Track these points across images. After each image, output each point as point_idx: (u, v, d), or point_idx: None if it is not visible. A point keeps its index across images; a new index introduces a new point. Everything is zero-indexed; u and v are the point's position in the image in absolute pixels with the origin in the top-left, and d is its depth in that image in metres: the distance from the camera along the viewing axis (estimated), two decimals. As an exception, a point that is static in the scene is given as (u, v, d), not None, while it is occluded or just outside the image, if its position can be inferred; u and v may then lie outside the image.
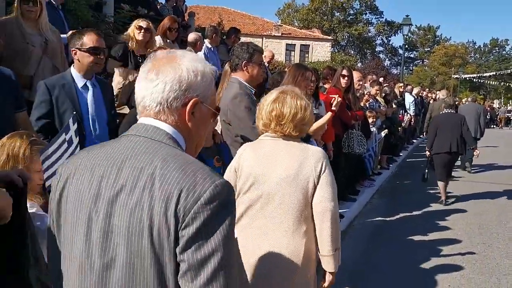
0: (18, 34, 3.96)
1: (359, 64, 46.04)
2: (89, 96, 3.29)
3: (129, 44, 4.82)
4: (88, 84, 3.29)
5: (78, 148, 2.46)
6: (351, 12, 59.55)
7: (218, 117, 3.40)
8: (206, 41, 7.36)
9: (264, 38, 40.79)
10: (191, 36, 6.90)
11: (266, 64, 9.42)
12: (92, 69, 3.27)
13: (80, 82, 3.28)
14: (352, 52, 58.38)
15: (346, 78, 6.09)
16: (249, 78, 3.61)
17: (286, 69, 6.15)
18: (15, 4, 4.08)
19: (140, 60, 4.92)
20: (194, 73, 1.31)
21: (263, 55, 9.54)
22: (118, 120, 4.19)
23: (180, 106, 1.30)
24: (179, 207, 1.15)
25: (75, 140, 2.49)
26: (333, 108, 4.67)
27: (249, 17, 43.48)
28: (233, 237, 1.22)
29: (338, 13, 58.10)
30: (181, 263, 1.16)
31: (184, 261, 1.15)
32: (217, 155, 3.21)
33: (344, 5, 57.67)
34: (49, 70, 4.05)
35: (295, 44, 41.62)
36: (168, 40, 5.97)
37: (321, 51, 41.48)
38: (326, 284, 2.50)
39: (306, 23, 54.34)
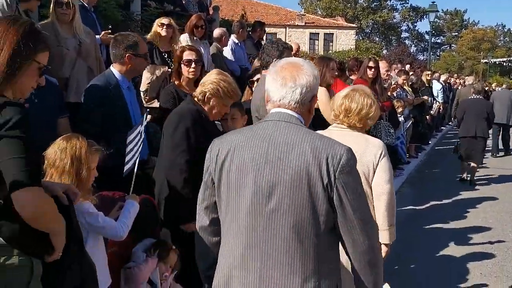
0: (53, 38, 4.08)
1: (384, 51, 45.42)
2: (132, 97, 3.46)
3: (154, 42, 5.01)
4: (130, 85, 3.47)
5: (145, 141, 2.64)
6: (375, -2, 58.67)
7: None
8: (233, 36, 7.46)
9: (287, 28, 40.69)
10: (216, 32, 7.01)
11: (292, 55, 9.51)
12: (140, 72, 3.46)
13: (124, 83, 3.46)
14: (377, 39, 57.60)
15: (372, 69, 6.12)
16: None
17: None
18: (51, 8, 4.24)
19: (166, 56, 5.11)
20: (315, 77, 1.83)
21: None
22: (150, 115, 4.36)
23: (307, 102, 1.82)
24: (329, 167, 1.67)
25: (143, 134, 2.76)
26: None
27: (272, 8, 43.37)
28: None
29: (362, 0, 57.31)
30: (335, 201, 1.68)
31: (338, 199, 1.68)
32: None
33: (368, -9, 56.89)
34: (84, 71, 4.19)
35: (318, 33, 41.36)
36: (195, 38, 6.10)
37: (345, 39, 41.12)
38: (383, 255, 2.76)
39: (330, 12, 53.80)
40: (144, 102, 4.55)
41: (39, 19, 7.79)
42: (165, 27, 5.11)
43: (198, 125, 3.00)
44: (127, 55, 3.40)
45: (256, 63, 4.25)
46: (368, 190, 2.76)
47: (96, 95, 3.30)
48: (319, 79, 1.92)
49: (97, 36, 4.75)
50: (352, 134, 2.85)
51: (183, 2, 12.17)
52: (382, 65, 6.93)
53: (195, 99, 3.12)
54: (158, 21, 5.25)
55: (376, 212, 2.81)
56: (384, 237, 2.80)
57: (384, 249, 2.80)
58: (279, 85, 1.80)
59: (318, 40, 41.33)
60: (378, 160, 2.79)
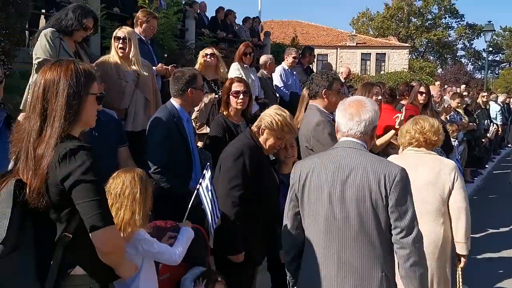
0: (114, 71, 4.34)
1: (439, 70, 44.28)
2: (191, 128, 3.70)
3: (201, 71, 5.27)
4: (188, 118, 3.74)
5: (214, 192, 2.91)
6: (429, 17, 57.52)
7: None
8: (283, 63, 7.62)
9: (338, 48, 40.63)
10: (262, 59, 7.17)
11: (343, 80, 9.54)
12: (198, 104, 3.69)
13: (184, 116, 3.72)
14: (432, 58, 56.30)
15: (423, 94, 6.06)
16: (328, 105, 3.81)
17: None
18: (112, 43, 4.51)
19: (212, 84, 5.34)
20: (375, 112, 2.37)
21: (340, 72, 9.69)
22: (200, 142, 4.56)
23: (369, 132, 2.36)
24: (386, 183, 2.18)
25: (210, 186, 2.91)
26: (396, 126, 4.63)
27: (323, 29, 43.51)
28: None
29: (415, 19, 56.37)
30: (391, 214, 2.19)
31: (394, 212, 2.18)
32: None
33: (421, 10, 55.89)
34: (141, 102, 4.44)
35: (370, 53, 40.99)
36: (245, 65, 6.30)
37: (398, 59, 40.49)
38: (462, 265, 3.35)
39: (382, 31, 53.26)
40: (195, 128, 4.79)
41: (101, 50, 8.34)
42: (209, 56, 5.39)
43: (254, 160, 3.13)
44: (189, 89, 3.68)
45: (305, 92, 4.36)
46: (442, 208, 3.27)
47: (163, 128, 3.54)
48: (379, 113, 2.45)
49: (153, 68, 5.03)
50: (427, 156, 3.38)
51: (236, 29, 12.59)
52: (434, 90, 6.84)
53: (253, 131, 3.26)
54: (202, 52, 5.55)
55: (454, 227, 3.28)
56: (462, 248, 3.29)
57: (463, 260, 3.34)
58: (347, 120, 2.35)
59: (369, 60, 40.95)
60: (454, 180, 3.24)
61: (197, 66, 5.51)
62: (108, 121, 3.37)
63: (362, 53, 40.99)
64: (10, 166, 2.23)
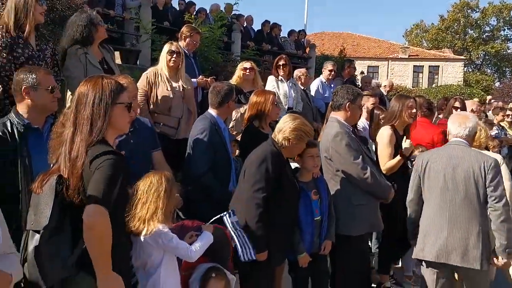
0: (164, 83, 4.67)
1: (496, 84, 42.68)
2: (227, 136, 4.07)
3: (239, 84, 5.61)
4: (225, 126, 4.10)
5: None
6: (487, 29, 55.62)
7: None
8: (321, 76, 7.82)
9: (390, 61, 40.09)
10: (295, 73, 7.34)
11: (385, 93, 9.58)
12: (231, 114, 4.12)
13: (221, 124, 4.07)
14: (489, 71, 54.32)
15: (458, 109, 6.08)
16: (349, 118, 3.98)
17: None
18: (164, 56, 4.79)
19: (248, 96, 5.62)
20: (476, 123, 3.65)
21: (383, 85, 9.71)
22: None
23: (472, 135, 3.62)
24: (485, 167, 3.36)
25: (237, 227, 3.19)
26: (403, 153, 4.41)
27: (374, 40, 43.08)
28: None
29: (472, 31, 54.68)
30: (488, 187, 3.35)
31: (489, 186, 3.35)
32: (315, 188, 3.63)
33: (478, 22, 54.17)
34: (186, 113, 4.78)
35: (423, 66, 40.14)
36: (280, 77, 6.52)
37: (452, 72, 39.43)
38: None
39: (436, 43, 52.01)
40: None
41: (151, 61, 8.85)
42: (248, 71, 5.69)
43: (276, 165, 3.36)
44: (229, 102, 4.05)
45: (330, 104, 4.55)
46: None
47: (207, 135, 3.88)
48: (476, 122, 3.67)
49: (193, 80, 5.38)
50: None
51: (281, 41, 12.88)
52: (473, 105, 6.82)
53: (276, 140, 3.49)
54: (241, 66, 5.85)
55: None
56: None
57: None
58: (457, 126, 3.58)
59: (422, 73, 40.09)
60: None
61: (234, 78, 5.83)
62: (142, 128, 3.69)
63: (414, 66, 40.21)
64: None
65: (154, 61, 8.94)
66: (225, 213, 3.20)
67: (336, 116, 3.98)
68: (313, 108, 7.20)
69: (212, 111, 4.11)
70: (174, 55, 4.72)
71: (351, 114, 3.96)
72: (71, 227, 2.16)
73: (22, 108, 2.94)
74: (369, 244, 5.09)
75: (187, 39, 5.73)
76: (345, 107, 3.95)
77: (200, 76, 5.72)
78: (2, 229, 1.83)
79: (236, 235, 3.19)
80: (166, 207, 2.77)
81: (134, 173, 2.70)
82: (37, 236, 2.10)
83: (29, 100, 2.92)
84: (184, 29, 5.84)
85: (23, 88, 2.92)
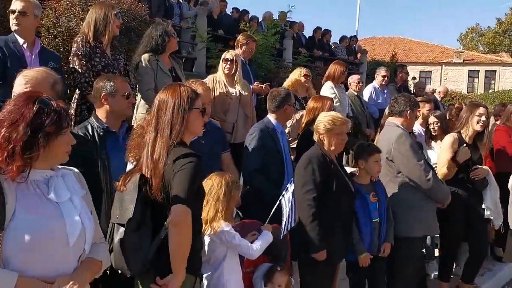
0: (222, 89, 4.89)
1: (559, 89, 40.59)
2: (285, 139, 4.22)
3: (293, 89, 5.72)
4: (283, 130, 4.25)
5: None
6: (549, 31, 53.07)
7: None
8: (374, 82, 7.84)
9: (443, 65, 39.03)
10: (349, 79, 7.35)
11: (440, 99, 9.45)
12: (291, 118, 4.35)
13: (279, 128, 4.21)
14: (550, 75, 51.71)
15: (517, 116, 5.97)
16: (408, 124, 4.11)
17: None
18: (221, 63, 5.05)
19: (303, 102, 5.75)
20: None
21: (438, 91, 9.60)
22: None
23: None
24: None
25: (291, 199, 3.30)
26: (457, 159, 4.40)
27: (427, 45, 42.06)
28: None
29: (532, 34, 52.31)
30: None
31: None
32: (373, 191, 3.72)
33: (539, 24, 51.79)
34: (242, 118, 4.96)
35: (478, 71, 38.79)
36: (336, 83, 6.61)
37: (510, 77, 37.88)
38: None
39: (493, 47, 50.14)
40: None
41: (206, 68, 9.17)
42: (307, 77, 5.83)
43: (321, 166, 3.48)
44: (285, 106, 4.19)
45: (386, 110, 4.62)
46: None
47: (259, 137, 4.05)
48: None
49: (251, 86, 5.58)
50: None
51: (332, 47, 12.95)
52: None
53: (317, 140, 3.62)
54: (301, 72, 5.97)
55: None
56: None
57: None
58: None
59: (477, 77, 38.75)
60: None
61: (286, 84, 5.95)
62: (214, 131, 3.89)
63: (469, 70, 38.92)
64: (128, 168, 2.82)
65: (210, 68, 9.28)
66: (283, 191, 3.31)
67: (395, 121, 4.09)
68: (366, 114, 7.24)
69: (269, 115, 4.28)
70: (228, 63, 4.95)
71: (409, 121, 4.10)
72: (152, 223, 2.37)
73: (101, 113, 3.20)
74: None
75: (243, 47, 5.90)
76: (405, 114, 4.07)
77: (256, 82, 5.91)
78: (95, 221, 2.04)
79: (287, 210, 3.27)
80: (226, 210, 2.94)
81: (204, 174, 2.89)
82: (122, 229, 2.31)
83: (107, 106, 3.18)
84: (240, 37, 6.03)
85: (102, 95, 3.18)
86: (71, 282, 1.80)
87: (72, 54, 3.93)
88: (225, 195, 2.95)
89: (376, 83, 7.79)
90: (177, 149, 2.34)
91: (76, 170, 2.08)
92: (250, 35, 6.53)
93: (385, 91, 7.83)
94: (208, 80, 5.03)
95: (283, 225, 3.30)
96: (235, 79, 5.02)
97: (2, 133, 1.75)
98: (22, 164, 1.76)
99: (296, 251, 3.61)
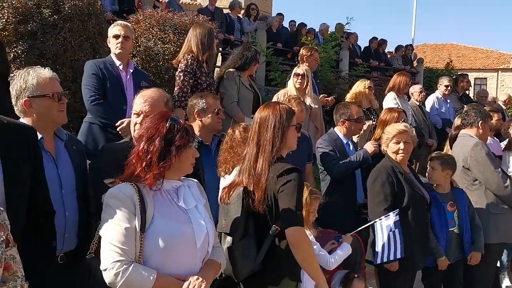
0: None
1: None
2: (351, 151, 4.35)
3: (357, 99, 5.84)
4: (349, 141, 4.41)
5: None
6: None
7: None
8: (437, 92, 7.83)
9: (499, 71, 37.71)
10: (411, 89, 7.34)
11: (504, 107, 9.27)
12: (356, 133, 4.48)
13: (344, 140, 4.37)
14: None
15: None
16: (481, 135, 4.19)
17: None
18: (291, 78, 5.28)
19: (368, 113, 5.84)
20: None
21: (502, 99, 9.45)
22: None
23: None
24: None
25: (393, 228, 3.41)
26: None
27: (481, 51, 40.74)
28: None
29: None
30: None
31: None
32: (452, 200, 3.79)
33: None
34: (312, 130, 5.15)
35: (539, 76, 37.20)
36: (399, 94, 6.66)
37: None
38: None
39: (553, 51, 47.95)
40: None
41: (265, 81, 9.43)
42: (371, 89, 5.94)
43: (390, 176, 3.58)
44: (341, 120, 4.35)
45: (457, 121, 4.68)
46: None
47: (326, 146, 4.25)
48: None
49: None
50: None
51: (388, 57, 12.94)
52: None
53: (384, 152, 3.75)
54: (365, 84, 6.02)
55: None
56: None
57: None
58: None
59: (538, 83, 37.16)
60: None
61: (350, 96, 6.04)
62: (301, 140, 4.11)
63: (528, 76, 37.41)
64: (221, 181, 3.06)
65: (270, 81, 9.55)
66: (383, 216, 3.41)
67: (468, 132, 4.17)
68: (429, 124, 7.25)
69: (336, 128, 4.43)
70: (300, 77, 5.16)
71: (483, 132, 4.17)
72: (255, 232, 2.56)
73: (194, 128, 3.45)
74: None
75: (308, 59, 6.09)
76: (477, 125, 4.16)
77: (321, 95, 6.08)
78: (212, 226, 2.28)
79: (381, 237, 3.38)
80: (307, 219, 3.11)
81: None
82: (229, 238, 2.55)
83: (200, 121, 3.47)
84: (302, 51, 6.15)
85: (195, 111, 3.47)
86: (200, 280, 2.04)
87: (179, 70, 4.26)
88: (306, 206, 3.11)
89: (438, 92, 7.77)
90: (278, 164, 2.53)
91: (196, 181, 2.34)
92: (311, 46, 6.73)
93: (448, 100, 7.80)
94: (280, 94, 5.26)
95: (379, 252, 3.41)
96: (306, 92, 5.22)
97: (141, 146, 2.05)
98: (158, 172, 2.04)
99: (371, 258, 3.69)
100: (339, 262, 3.24)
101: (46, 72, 2.52)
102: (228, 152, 3.12)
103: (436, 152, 4.38)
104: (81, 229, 2.60)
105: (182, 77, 4.23)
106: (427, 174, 4.09)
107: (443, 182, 3.89)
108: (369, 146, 4.16)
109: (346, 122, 4.33)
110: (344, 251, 3.29)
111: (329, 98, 6.02)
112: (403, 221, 3.52)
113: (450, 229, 3.79)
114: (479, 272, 3.94)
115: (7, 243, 1.64)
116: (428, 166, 4.08)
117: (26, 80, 2.45)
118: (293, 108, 2.78)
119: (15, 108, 2.49)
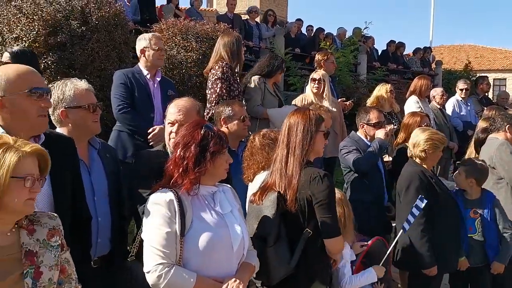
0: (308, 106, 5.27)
1: None
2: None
3: (380, 105, 5.87)
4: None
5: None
6: None
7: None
8: (457, 94, 7.82)
9: (518, 72, 37.22)
10: (431, 92, 7.33)
11: (526, 109, 9.22)
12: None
13: (368, 142, 4.41)
14: None
15: None
16: (510, 139, 4.24)
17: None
18: (309, 83, 5.42)
19: (389, 117, 5.87)
20: None
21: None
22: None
23: None
24: None
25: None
26: None
27: (500, 51, 40.23)
28: None
29: None
30: None
31: None
32: (476, 207, 3.80)
33: None
34: (331, 134, 5.19)
35: (560, 76, 36.58)
36: (421, 98, 6.68)
37: None
38: None
39: None
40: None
41: (284, 86, 9.51)
42: (392, 92, 5.96)
43: (425, 184, 3.59)
44: (360, 123, 4.41)
45: (482, 123, 4.70)
46: None
47: (350, 147, 4.30)
48: None
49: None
50: None
51: (406, 60, 12.92)
52: None
53: (413, 156, 3.73)
54: (386, 88, 6.05)
55: None
56: None
57: None
58: None
59: (559, 84, 36.55)
60: None
61: (371, 100, 6.08)
62: None
63: (548, 76, 36.84)
64: (250, 188, 3.13)
65: (289, 86, 9.63)
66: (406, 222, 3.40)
67: (496, 136, 4.25)
68: (449, 127, 7.25)
69: (358, 133, 4.46)
70: (316, 82, 5.27)
71: (511, 136, 4.23)
72: (287, 235, 2.63)
73: (221, 134, 3.60)
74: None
75: (326, 63, 6.14)
76: (505, 129, 4.24)
77: (339, 99, 6.14)
78: (246, 230, 2.35)
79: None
80: (349, 225, 3.19)
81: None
82: (261, 242, 2.59)
83: (226, 128, 3.56)
84: (318, 57, 6.13)
85: (221, 118, 3.58)
86: (238, 281, 2.12)
87: (216, 78, 4.33)
88: (349, 216, 3.21)
89: (458, 95, 7.77)
90: (309, 169, 2.61)
91: (230, 186, 2.43)
92: (326, 51, 6.79)
93: (468, 103, 7.79)
94: (298, 100, 5.36)
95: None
96: (324, 96, 5.31)
97: (178, 153, 2.15)
98: (194, 177, 2.14)
99: (405, 263, 3.72)
100: (356, 286, 3.18)
101: (82, 84, 2.63)
102: (249, 159, 3.19)
103: (468, 158, 4.37)
104: (114, 234, 2.69)
105: (220, 84, 4.30)
106: (454, 177, 4.12)
107: (468, 189, 3.88)
108: (381, 133, 4.24)
109: (365, 126, 4.39)
110: (366, 276, 3.21)
111: (348, 102, 6.08)
112: (435, 226, 3.54)
113: (469, 235, 3.78)
114: (506, 273, 3.92)
115: (62, 247, 1.75)
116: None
117: (63, 91, 2.56)
118: (321, 115, 2.86)
119: (52, 118, 2.58)
